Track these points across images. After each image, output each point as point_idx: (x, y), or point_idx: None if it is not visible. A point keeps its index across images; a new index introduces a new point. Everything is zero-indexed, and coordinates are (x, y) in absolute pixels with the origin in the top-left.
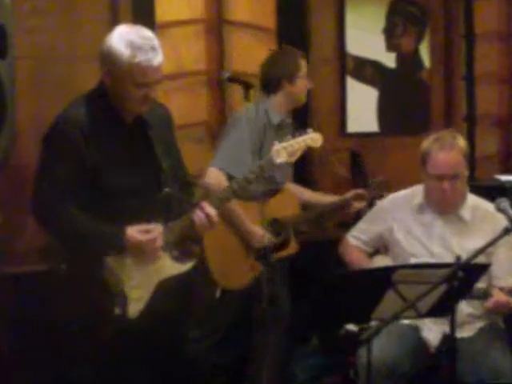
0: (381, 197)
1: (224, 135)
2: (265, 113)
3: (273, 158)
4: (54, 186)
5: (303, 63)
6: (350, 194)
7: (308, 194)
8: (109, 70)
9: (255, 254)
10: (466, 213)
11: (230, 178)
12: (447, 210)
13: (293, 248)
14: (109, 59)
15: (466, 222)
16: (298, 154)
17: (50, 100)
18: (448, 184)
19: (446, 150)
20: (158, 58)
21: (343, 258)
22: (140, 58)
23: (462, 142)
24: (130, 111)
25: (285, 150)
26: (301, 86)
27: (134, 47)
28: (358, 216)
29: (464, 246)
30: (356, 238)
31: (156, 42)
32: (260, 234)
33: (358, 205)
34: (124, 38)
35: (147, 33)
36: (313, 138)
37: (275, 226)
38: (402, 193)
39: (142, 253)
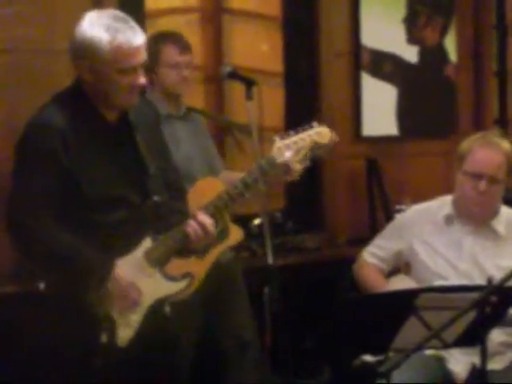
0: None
1: None
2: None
3: (274, 158)
4: (29, 200)
5: (167, 50)
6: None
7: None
8: (88, 64)
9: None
10: (499, 226)
11: None
12: (479, 221)
13: (236, 234)
14: (86, 51)
15: (500, 236)
16: (304, 153)
17: (26, 99)
18: (485, 185)
19: (490, 148)
20: (139, 37)
21: (358, 278)
22: (120, 39)
23: (508, 145)
24: (120, 106)
25: (287, 148)
26: (168, 76)
27: (111, 30)
28: (374, 230)
29: (497, 264)
30: (373, 255)
31: (131, 21)
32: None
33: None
34: (97, 23)
35: (119, 13)
36: (319, 133)
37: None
38: (426, 204)
39: (123, 297)
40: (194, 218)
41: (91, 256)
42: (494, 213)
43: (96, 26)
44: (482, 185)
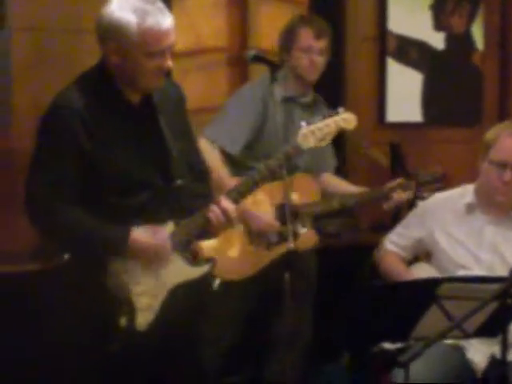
0: (435, 190)
1: (224, 105)
2: (269, 87)
3: (299, 144)
4: (49, 179)
5: (303, 33)
6: (389, 184)
7: (344, 186)
8: (115, 46)
9: (261, 241)
10: None
11: (223, 152)
12: (501, 210)
13: (310, 239)
14: (114, 32)
15: None
16: (329, 139)
17: (51, 77)
18: (510, 175)
19: None
20: (168, 20)
21: (378, 266)
22: (149, 22)
23: None
24: (146, 88)
25: (313, 135)
26: (298, 59)
27: (140, 12)
28: (396, 217)
29: None
30: (394, 244)
31: (160, 3)
32: (267, 219)
33: (400, 196)
34: (125, 5)
35: None
36: (345, 119)
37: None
38: (448, 193)
39: (149, 258)
40: (217, 203)
41: (109, 227)
42: None
43: (124, 8)
44: (508, 175)
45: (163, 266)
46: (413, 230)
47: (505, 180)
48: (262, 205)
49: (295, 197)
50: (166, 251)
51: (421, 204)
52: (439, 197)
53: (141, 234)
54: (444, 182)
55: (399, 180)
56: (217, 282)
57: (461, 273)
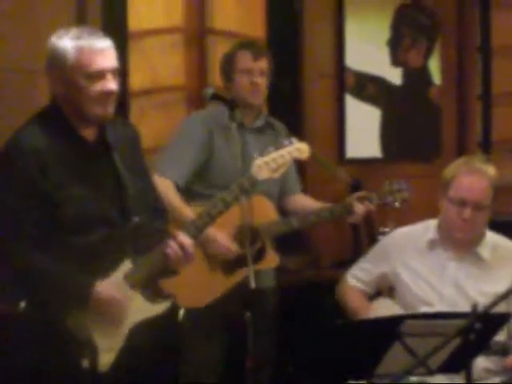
0: (400, 200)
1: (171, 137)
2: (219, 114)
3: (254, 175)
4: (6, 222)
5: (242, 56)
6: (350, 197)
7: (311, 204)
8: (57, 74)
9: (222, 266)
10: (484, 251)
11: (177, 186)
12: (463, 246)
13: (272, 260)
14: (54, 60)
15: (484, 261)
16: (283, 169)
17: (6, 118)
18: (470, 213)
19: (474, 174)
20: (102, 41)
21: (341, 301)
22: (83, 43)
23: (493, 170)
24: (94, 118)
25: (267, 166)
26: (240, 82)
27: (74, 37)
28: (357, 253)
29: (481, 290)
30: (356, 279)
31: (98, 33)
32: (225, 242)
33: (363, 208)
34: (63, 34)
35: (87, 28)
36: (299, 149)
37: (247, 234)
38: (410, 228)
39: (109, 314)
40: (174, 238)
41: (69, 278)
42: (479, 238)
43: (62, 36)
44: (467, 212)
45: (119, 322)
46: (375, 265)
47: (464, 217)
48: (220, 228)
49: (253, 218)
50: (124, 307)
51: (382, 240)
52: (401, 232)
53: (104, 290)
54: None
55: (360, 193)
56: (181, 313)
57: (424, 309)
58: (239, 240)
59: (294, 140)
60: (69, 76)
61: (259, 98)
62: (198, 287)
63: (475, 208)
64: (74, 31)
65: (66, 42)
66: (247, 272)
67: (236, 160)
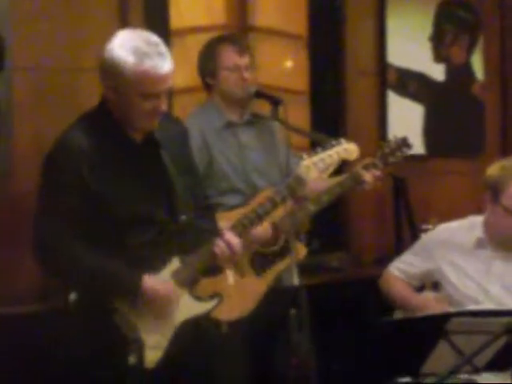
0: (399, 156)
1: None
2: (208, 117)
3: (302, 176)
4: (56, 220)
5: (226, 52)
6: (357, 166)
7: (317, 184)
8: (112, 83)
9: (254, 267)
10: None
11: None
12: (510, 245)
13: (300, 252)
14: (111, 70)
15: None
16: (331, 169)
17: (52, 117)
18: None
19: None
20: (166, 65)
21: (386, 291)
22: (146, 64)
23: None
24: (139, 128)
25: (315, 166)
26: (227, 79)
27: (138, 53)
28: (398, 250)
29: None
30: (401, 271)
31: (163, 47)
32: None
33: (372, 175)
34: (127, 44)
35: (152, 37)
36: (347, 150)
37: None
38: (456, 224)
39: (157, 307)
40: (221, 237)
41: (119, 272)
42: None
43: (125, 47)
44: None
45: (167, 314)
46: (421, 260)
47: None
48: None
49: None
50: (173, 301)
51: (428, 235)
52: (446, 228)
53: (152, 284)
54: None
55: (365, 160)
56: (225, 326)
57: (468, 305)
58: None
59: (343, 140)
60: (123, 89)
61: (244, 91)
62: (234, 297)
63: None
64: (137, 41)
65: (128, 56)
66: (278, 270)
67: (234, 163)
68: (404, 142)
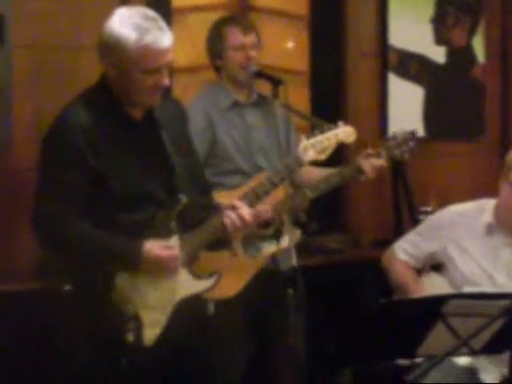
0: (408, 151)
1: None
2: (214, 97)
3: (300, 157)
4: (56, 197)
5: (231, 32)
6: (358, 157)
7: (316, 172)
8: (113, 61)
9: (244, 250)
10: None
11: None
12: None
13: (295, 236)
14: (113, 47)
15: None
16: (329, 152)
17: (51, 94)
18: None
19: None
20: (166, 39)
21: (386, 272)
22: (148, 39)
23: None
24: (141, 104)
25: (313, 147)
26: (234, 58)
27: (139, 29)
28: (398, 232)
29: None
30: (404, 252)
31: (162, 21)
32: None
33: (373, 164)
34: (126, 21)
35: (150, 12)
36: (345, 132)
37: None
38: (466, 207)
39: (160, 270)
40: (232, 207)
41: (120, 240)
42: None
43: (125, 24)
44: None
45: (171, 279)
46: (426, 241)
47: None
48: None
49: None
50: (177, 264)
51: (435, 215)
52: (455, 210)
53: (153, 247)
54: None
55: (367, 150)
56: (211, 306)
57: (467, 289)
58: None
59: (341, 123)
60: (125, 66)
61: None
62: (224, 275)
63: None
64: (136, 17)
65: (129, 32)
66: (270, 253)
67: (239, 143)
68: (411, 136)
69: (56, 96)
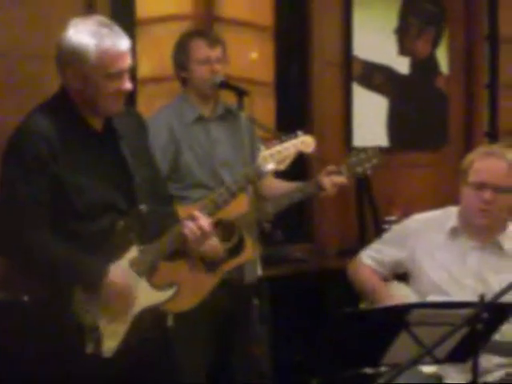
0: (370, 169)
1: None
2: (179, 110)
3: (259, 166)
4: (18, 209)
5: (196, 46)
6: (319, 174)
7: (284, 186)
8: (75, 71)
9: (202, 264)
10: (506, 242)
11: None
12: (484, 234)
13: (250, 252)
14: (73, 57)
15: (505, 252)
16: (288, 161)
17: (18, 104)
18: (489, 195)
19: (493, 157)
20: (124, 42)
21: (354, 279)
22: (106, 44)
23: None
24: (106, 112)
25: (272, 157)
26: (198, 72)
27: (96, 35)
28: (363, 241)
29: (503, 280)
30: (371, 258)
31: (116, 26)
32: (212, 242)
33: (331, 183)
34: (82, 30)
35: (102, 19)
36: (304, 142)
37: (221, 228)
38: (431, 214)
39: (120, 299)
40: (191, 218)
41: (82, 262)
42: (500, 226)
43: (81, 33)
44: (487, 194)
45: (128, 307)
46: (393, 249)
47: (484, 199)
48: None
49: (226, 211)
50: (133, 293)
51: (401, 224)
52: (421, 218)
53: (116, 275)
54: (381, 157)
55: (328, 167)
56: (170, 318)
57: (430, 298)
58: (219, 235)
59: (300, 133)
60: (87, 74)
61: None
62: (182, 290)
63: (495, 190)
64: (91, 25)
65: (88, 39)
66: (229, 267)
67: (203, 158)
68: (375, 153)
69: (23, 106)
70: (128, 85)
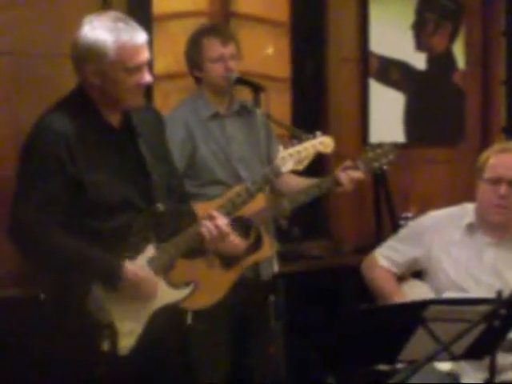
0: (386, 164)
1: None
2: (195, 107)
3: (278, 167)
4: (35, 205)
5: (209, 44)
6: (336, 170)
7: (300, 183)
8: (94, 67)
9: (219, 261)
10: None
11: None
12: (500, 230)
13: (271, 248)
14: (91, 54)
15: None
16: (307, 162)
17: (30, 102)
18: (505, 189)
19: (509, 153)
20: (141, 35)
21: (367, 279)
22: (124, 38)
23: None
24: (127, 106)
25: (291, 157)
26: (213, 70)
27: (113, 30)
28: (379, 238)
29: None
30: (386, 258)
31: (132, 21)
32: (233, 239)
33: (348, 178)
34: (98, 26)
35: (117, 14)
36: (323, 143)
37: (239, 225)
38: (447, 211)
39: (138, 294)
40: (209, 217)
41: (99, 257)
42: None
43: (98, 29)
44: (502, 188)
45: (148, 300)
46: (409, 247)
47: (500, 194)
48: None
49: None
50: (153, 286)
51: (417, 221)
52: (437, 215)
53: (133, 270)
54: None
55: (345, 162)
56: (189, 316)
57: (446, 294)
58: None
59: (319, 133)
60: (106, 70)
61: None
62: (201, 287)
63: (510, 184)
64: (107, 21)
65: (105, 35)
66: (247, 264)
67: (219, 154)
68: (391, 149)
69: (35, 104)
70: (148, 77)
